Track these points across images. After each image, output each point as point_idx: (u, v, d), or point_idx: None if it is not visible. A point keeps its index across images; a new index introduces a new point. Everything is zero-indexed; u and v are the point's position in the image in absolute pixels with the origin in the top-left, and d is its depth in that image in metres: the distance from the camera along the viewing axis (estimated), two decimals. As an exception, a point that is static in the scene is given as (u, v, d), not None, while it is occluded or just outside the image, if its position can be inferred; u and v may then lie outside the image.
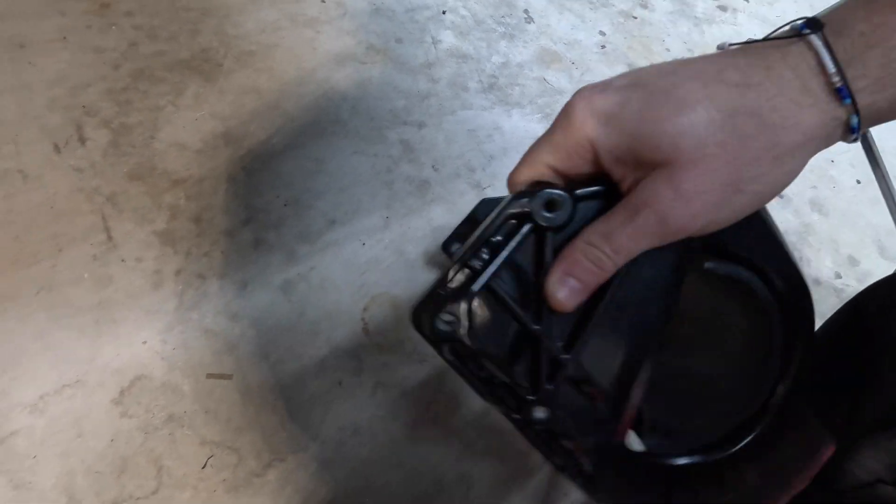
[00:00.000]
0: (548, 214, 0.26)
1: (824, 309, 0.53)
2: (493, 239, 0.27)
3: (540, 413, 0.27)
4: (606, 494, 0.31)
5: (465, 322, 0.26)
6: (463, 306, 0.26)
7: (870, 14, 0.21)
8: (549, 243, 0.26)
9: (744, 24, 1.16)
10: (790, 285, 0.34)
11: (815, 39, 0.21)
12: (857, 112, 0.21)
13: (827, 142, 0.23)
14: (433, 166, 0.80)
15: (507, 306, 0.26)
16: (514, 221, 0.27)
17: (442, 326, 0.26)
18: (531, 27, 1.01)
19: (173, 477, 0.53)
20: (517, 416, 0.28)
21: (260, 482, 0.55)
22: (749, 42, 0.24)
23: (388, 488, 0.57)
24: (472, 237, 0.28)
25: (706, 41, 1.10)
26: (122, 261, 0.63)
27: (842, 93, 0.21)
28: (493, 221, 0.27)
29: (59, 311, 0.58)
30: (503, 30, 0.99)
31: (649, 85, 0.23)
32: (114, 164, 0.69)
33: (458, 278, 0.27)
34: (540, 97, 0.92)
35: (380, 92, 0.85)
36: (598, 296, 0.26)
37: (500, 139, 0.85)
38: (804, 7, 1.24)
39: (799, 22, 0.23)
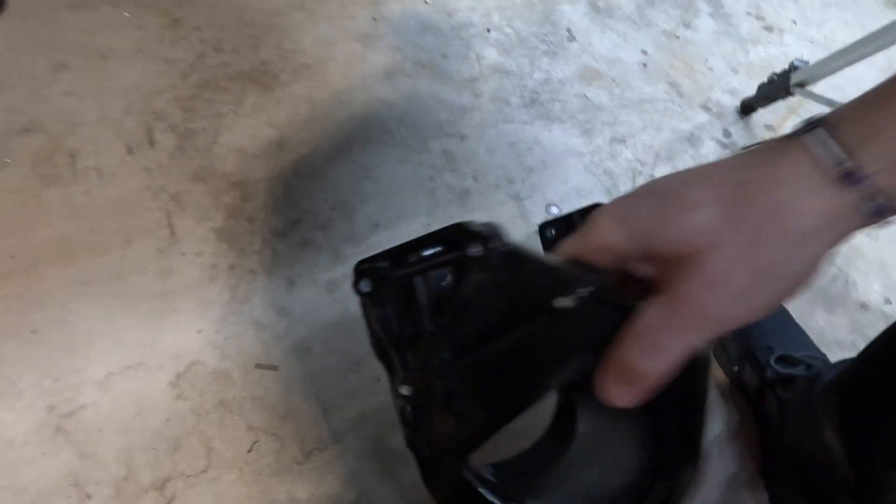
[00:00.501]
0: (473, 249, 0.30)
1: (872, 335, 0.52)
2: (425, 252, 0.34)
3: (405, 391, 0.31)
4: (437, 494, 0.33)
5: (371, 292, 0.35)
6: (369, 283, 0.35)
7: (867, 109, 0.22)
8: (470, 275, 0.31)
9: (790, 45, 1.15)
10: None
11: (820, 131, 0.22)
12: (872, 197, 0.22)
13: (846, 226, 0.23)
14: (474, 177, 0.82)
15: (414, 301, 0.31)
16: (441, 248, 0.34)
17: (363, 288, 0.36)
18: (573, 45, 1.03)
19: (221, 458, 0.57)
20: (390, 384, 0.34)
21: (301, 469, 0.57)
22: (762, 142, 0.25)
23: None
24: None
25: (751, 61, 1.10)
26: (183, 254, 0.68)
27: (850, 178, 0.21)
28: (424, 239, 0.33)
29: (126, 298, 0.63)
30: (545, 47, 1.01)
31: (662, 191, 0.25)
32: (179, 165, 0.74)
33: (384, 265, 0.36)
34: (580, 113, 0.94)
35: (425, 104, 0.88)
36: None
37: (540, 152, 0.87)
38: (855, 29, 1.22)
39: (804, 120, 0.24)
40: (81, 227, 0.67)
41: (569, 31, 1.05)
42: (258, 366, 0.62)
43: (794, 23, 1.20)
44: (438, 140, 0.85)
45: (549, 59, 0.99)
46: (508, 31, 1.02)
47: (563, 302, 0.25)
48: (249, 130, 0.79)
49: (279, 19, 0.93)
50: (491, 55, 0.97)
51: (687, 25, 1.13)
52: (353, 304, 0.68)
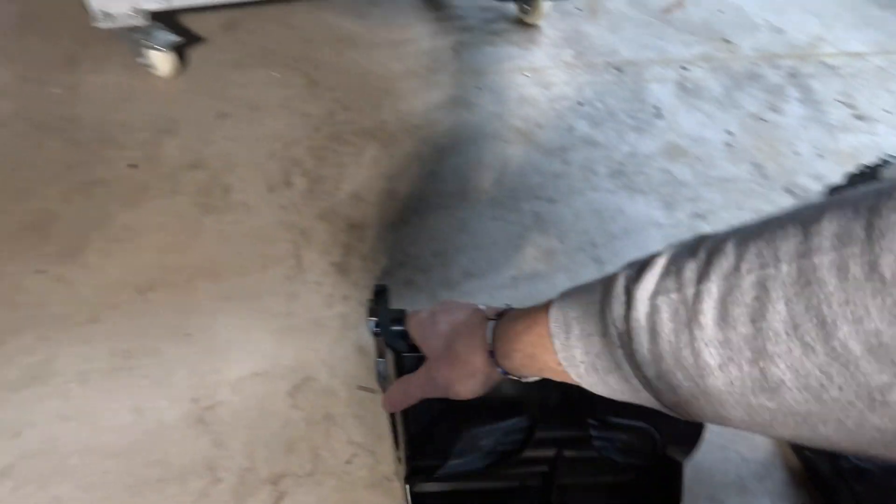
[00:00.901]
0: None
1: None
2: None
3: (371, 324, 0.60)
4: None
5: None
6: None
7: (512, 326, 0.41)
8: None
9: (882, 134, 1.16)
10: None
11: (492, 324, 0.44)
12: (500, 365, 0.42)
13: (492, 373, 0.43)
14: (560, 238, 0.90)
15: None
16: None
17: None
18: (660, 122, 1.10)
19: (325, 464, 0.65)
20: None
21: (390, 486, 0.65)
22: (502, 312, 0.45)
23: None
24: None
25: (839, 148, 1.12)
26: (306, 283, 0.79)
27: (491, 355, 0.43)
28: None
29: (259, 314, 0.75)
30: (633, 123, 1.09)
31: (435, 327, 0.50)
32: (308, 205, 0.87)
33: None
34: (663, 187, 1.00)
35: (519, 168, 0.98)
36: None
37: (623, 221, 0.93)
38: (954, 122, 1.21)
39: (501, 307, 0.46)
40: (229, 250, 0.81)
41: (656, 108, 1.13)
42: (360, 387, 0.71)
43: (888, 112, 1.21)
44: (529, 202, 0.93)
45: (637, 134, 1.07)
46: (599, 105, 1.11)
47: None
48: (367, 180, 0.92)
49: (397, 84, 1.08)
50: (582, 127, 1.06)
51: (774, 109, 1.17)
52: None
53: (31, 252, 0.77)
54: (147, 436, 0.64)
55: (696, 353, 0.26)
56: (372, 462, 0.66)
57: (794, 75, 1.25)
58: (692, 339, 0.26)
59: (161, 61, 0.97)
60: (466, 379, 0.44)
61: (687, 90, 1.17)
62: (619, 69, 1.19)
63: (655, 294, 0.29)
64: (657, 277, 0.29)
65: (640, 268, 0.31)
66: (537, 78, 1.14)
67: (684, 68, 1.22)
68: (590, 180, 0.98)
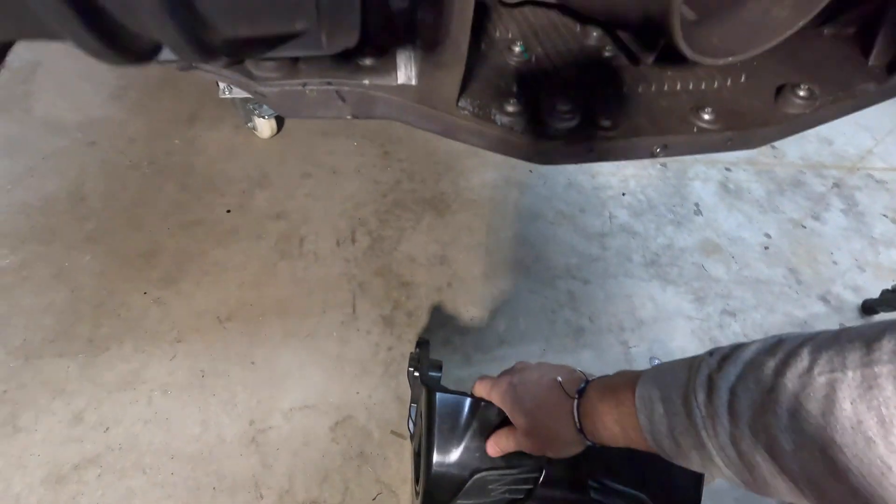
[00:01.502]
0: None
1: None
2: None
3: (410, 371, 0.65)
4: None
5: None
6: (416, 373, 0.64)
7: (600, 397, 0.45)
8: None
9: (928, 252, 1.17)
10: None
11: (575, 404, 0.46)
12: (589, 438, 0.45)
13: (580, 445, 0.47)
14: (590, 318, 0.97)
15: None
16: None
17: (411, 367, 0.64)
18: (699, 219, 1.17)
19: (353, 497, 0.73)
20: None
21: (408, 528, 0.71)
22: (583, 389, 0.47)
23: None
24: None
25: (880, 262, 1.14)
26: (358, 330, 0.90)
27: (580, 429, 0.45)
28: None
29: (314, 353, 0.86)
30: (672, 217, 1.16)
31: (524, 402, 0.51)
32: (368, 261, 1.00)
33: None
34: (695, 280, 1.05)
35: (559, 248, 1.07)
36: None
37: (653, 308, 0.99)
38: None
39: (581, 387, 0.47)
40: (297, 293, 0.93)
41: (697, 205, 1.20)
42: (392, 432, 0.79)
43: (937, 231, 1.22)
44: (565, 280, 1.02)
45: (674, 228, 1.14)
46: (641, 197, 1.20)
47: None
48: (421, 244, 1.04)
49: (459, 162, 1.21)
50: (622, 215, 1.15)
51: (816, 217, 1.21)
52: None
53: (140, 276, 0.92)
54: (208, 447, 0.75)
55: (773, 439, 0.31)
56: (394, 502, 0.73)
57: (839, 186, 1.29)
58: (767, 425, 0.31)
59: (263, 126, 1.16)
60: (559, 449, 0.49)
61: (729, 190, 1.24)
62: (664, 164, 1.28)
63: (736, 384, 0.33)
64: (739, 370, 0.34)
65: (721, 358, 0.36)
66: (586, 166, 1.25)
67: (728, 169, 1.29)
68: (624, 266, 1.05)
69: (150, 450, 0.74)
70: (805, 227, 1.18)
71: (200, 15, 0.10)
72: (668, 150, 0.38)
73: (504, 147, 0.35)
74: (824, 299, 1.05)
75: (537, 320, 0.95)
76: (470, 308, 0.95)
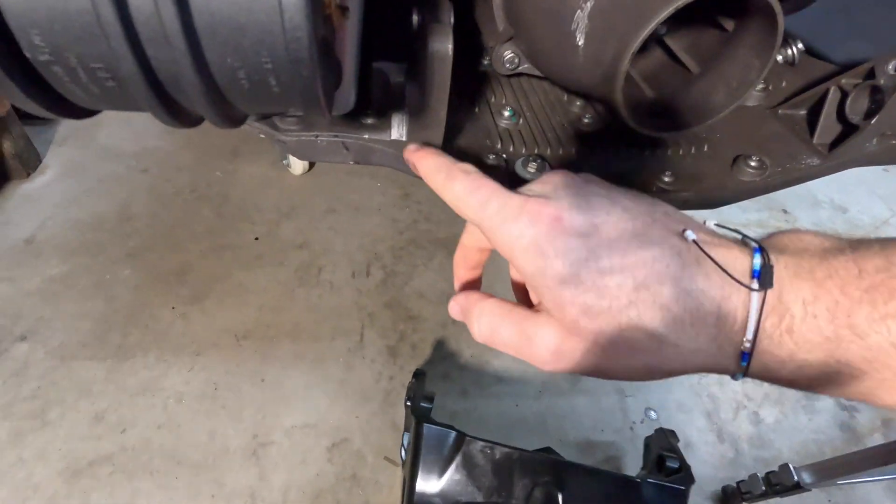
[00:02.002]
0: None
1: None
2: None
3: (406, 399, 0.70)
4: None
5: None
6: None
7: (815, 297, 0.22)
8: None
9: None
10: None
11: (755, 301, 0.23)
12: (745, 372, 0.23)
13: (706, 370, 0.25)
14: (588, 364, 0.99)
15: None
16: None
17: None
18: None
19: (342, 519, 0.76)
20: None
21: (392, 553, 0.73)
22: (709, 256, 0.24)
23: None
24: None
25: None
26: (363, 358, 0.95)
27: (744, 357, 0.23)
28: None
29: (321, 376, 0.91)
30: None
31: (599, 259, 0.24)
32: (379, 293, 1.06)
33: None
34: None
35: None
36: None
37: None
38: None
39: (755, 261, 0.24)
40: (310, 318, 0.99)
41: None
42: (386, 458, 0.83)
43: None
44: (567, 325, 1.05)
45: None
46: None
47: None
48: (431, 281, 1.09)
49: (473, 206, 1.28)
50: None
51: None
52: (471, 432, 0.86)
53: (170, 291, 1.00)
54: (212, 456, 0.80)
55: None
56: (381, 527, 0.75)
57: (851, 253, 1.30)
58: None
59: (296, 164, 1.26)
60: (644, 372, 0.25)
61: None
62: (673, 221, 1.32)
63: None
64: None
65: None
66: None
67: (738, 231, 1.32)
68: (626, 317, 1.08)
69: (160, 454, 0.79)
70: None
71: (229, 101, 0.16)
72: (630, 206, 0.43)
73: None
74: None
75: (536, 362, 0.98)
76: (471, 345, 0.99)
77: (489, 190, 0.27)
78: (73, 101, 0.15)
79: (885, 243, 0.22)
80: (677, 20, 0.40)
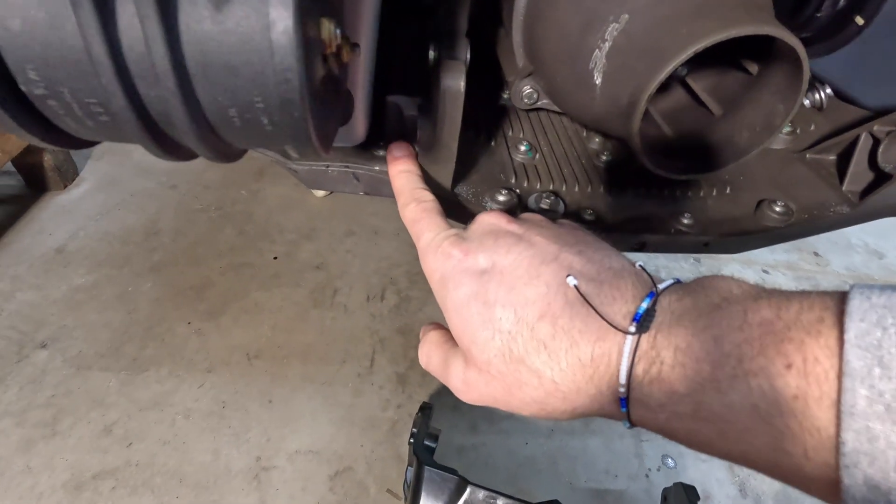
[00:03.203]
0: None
1: None
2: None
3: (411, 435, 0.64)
4: None
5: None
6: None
7: (687, 345, 0.21)
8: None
9: None
10: None
11: (627, 344, 0.22)
12: (630, 420, 0.23)
13: (595, 414, 0.25)
14: (604, 404, 0.96)
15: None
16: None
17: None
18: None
19: (340, 552, 0.73)
20: None
21: None
22: (584, 298, 0.24)
23: None
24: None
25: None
26: (372, 384, 0.94)
27: (622, 403, 0.23)
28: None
29: (328, 400, 0.90)
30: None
31: (487, 293, 0.26)
32: (392, 319, 1.05)
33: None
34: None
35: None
36: None
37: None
38: None
39: (642, 305, 0.23)
40: (322, 340, 0.99)
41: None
42: (388, 491, 0.80)
43: None
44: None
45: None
46: (671, 289, 1.20)
47: None
48: (445, 309, 1.08)
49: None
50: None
51: (859, 331, 1.16)
52: (471, 473, 0.83)
53: (188, 306, 1.02)
54: (214, 476, 0.79)
55: None
56: (379, 564, 0.73)
57: (888, 301, 1.24)
58: None
59: (320, 186, 1.28)
60: (538, 409, 0.25)
61: (764, 292, 1.22)
62: (697, 259, 1.29)
63: None
64: None
65: None
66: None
67: (766, 272, 1.28)
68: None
69: (163, 471, 0.78)
70: (846, 340, 1.13)
71: (221, 138, 0.16)
72: (646, 247, 0.42)
73: None
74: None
75: (549, 399, 0.95)
76: (483, 377, 0.97)
77: (427, 223, 0.30)
78: (69, 132, 0.15)
79: (800, 297, 0.20)
80: (699, 61, 0.39)
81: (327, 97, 0.17)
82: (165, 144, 0.15)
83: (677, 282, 0.25)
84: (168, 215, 1.21)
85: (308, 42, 0.13)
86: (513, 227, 0.29)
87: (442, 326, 0.32)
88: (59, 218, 1.17)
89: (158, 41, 0.12)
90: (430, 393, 0.94)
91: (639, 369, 0.22)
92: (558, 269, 0.25)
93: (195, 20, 0.12)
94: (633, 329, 0.22)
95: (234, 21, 0.12)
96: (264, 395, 0.90)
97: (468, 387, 0.28)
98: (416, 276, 1.14)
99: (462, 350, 0.27)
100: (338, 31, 0.16)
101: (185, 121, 0.14)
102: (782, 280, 1.26)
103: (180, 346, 0.95)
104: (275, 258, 1.14)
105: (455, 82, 0.29)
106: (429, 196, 0.33)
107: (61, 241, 1.11)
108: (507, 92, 0.53)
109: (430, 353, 0.31)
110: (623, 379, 0.22)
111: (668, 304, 0.23)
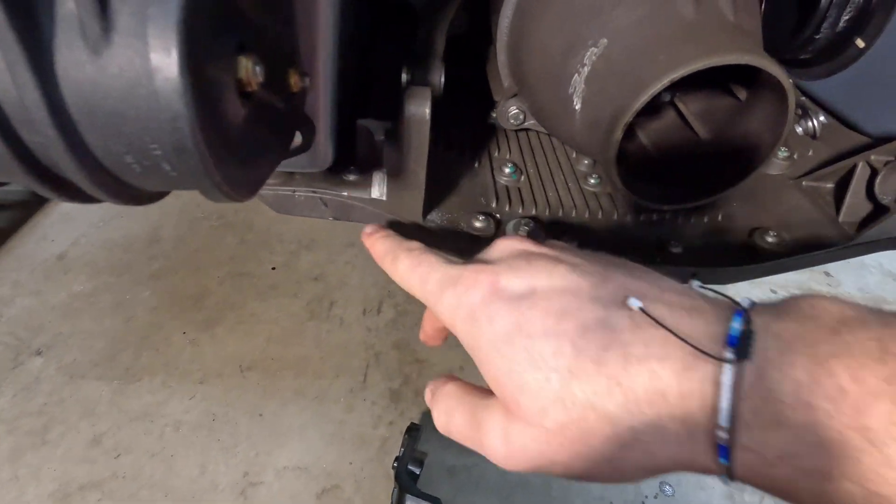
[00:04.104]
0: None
1: None
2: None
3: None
4: None
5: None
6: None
7: (810, 377, 0.16)
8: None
9: None
10: None
11: (727, 375, 0.18)
12: (730, 473, 0.18)
13: (682, 469, 0.20)
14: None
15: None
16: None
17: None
18: (735, 339, 1.11)
19: (323, 574, 0.72)
20: None
21: None
22: (657, 321, 0.19)
23: None
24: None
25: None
26: (364, 400, 0.92)
27: (721, 451, 0.18)
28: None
29: (319, 415, 0.89)
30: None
31: (530, 324, 0.21)
32: (389, 333, 1.04)
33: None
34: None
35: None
36: None
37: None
38: None
39: (733, 325, 0.18)
40: (316, 354, 0.98)
41: (734, 324, 1.15)
42: (376, 511, 0.79)
43: None
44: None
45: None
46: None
47: None
48: (442, 324, 1.07)
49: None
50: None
51: (871, 356, 1.11)
52: (461, 495, 0.82)
53: (185, 315, 1.02)
54: (200, 491, 0.78)
55: None
56: (362, 588, 0.71)
57: (902, 325, 1.19)
58: None
59: (321, 196, 1.28)
60: (607, 469, 0.20)
61: (772, 313, 1.18)
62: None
63: None
64: None
65: None
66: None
67: (773, 291, 1.24)
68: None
69: (149, 483, 0.78)
70: (857, 366, 1.09)
71: (127, 184, 0.16)
72: (630, 277, 0.40)
73: (464, 254, 0.39)
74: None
75: (544, 420, 0.93)
76: (478, 395, 0.95)
77: (429, 265, 0.26)
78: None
79: None
80: (689, 83, 0.38)
81: (252, 136, 0.16)
82: (66, 190, 0.14)
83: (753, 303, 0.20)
84: (170, 223, 1.22)
85: (205, 85, 0.12)
86: (543, 249, 0.25)
87: (457, 378, 0.27)
88: (61, 224, 1.18)
89: (30, 87, 0.11)
90: (423, 410, 0.92)
91: (745, 410, 0.17)
92: (615, 290, 0.21)
93: (73, 64, 0.11)
94: (729, 355, 0.18)
95: (117, 66, 0.11)
96: (255, 409, 0.89)
97: (512, 448, 0.21)
98: (415, 290, 1.13)
99: (501, 401, 0.21)
100: (258, 68, 0.15)
101: (73, 168, 0.13)
102: (791, 301, 1.22)
103: (175, 356, 0.95)
104: (273, 268, 1.14)
105: (420, 109, 0.28)
106: (417, 244, 0.29)
107: (63, 248, 1.13)
108: (495, 112, 0.52)
109: (450, 410, 0.25)
110: (724, 421, 0.17)
111: (766, 326, 0.19)
